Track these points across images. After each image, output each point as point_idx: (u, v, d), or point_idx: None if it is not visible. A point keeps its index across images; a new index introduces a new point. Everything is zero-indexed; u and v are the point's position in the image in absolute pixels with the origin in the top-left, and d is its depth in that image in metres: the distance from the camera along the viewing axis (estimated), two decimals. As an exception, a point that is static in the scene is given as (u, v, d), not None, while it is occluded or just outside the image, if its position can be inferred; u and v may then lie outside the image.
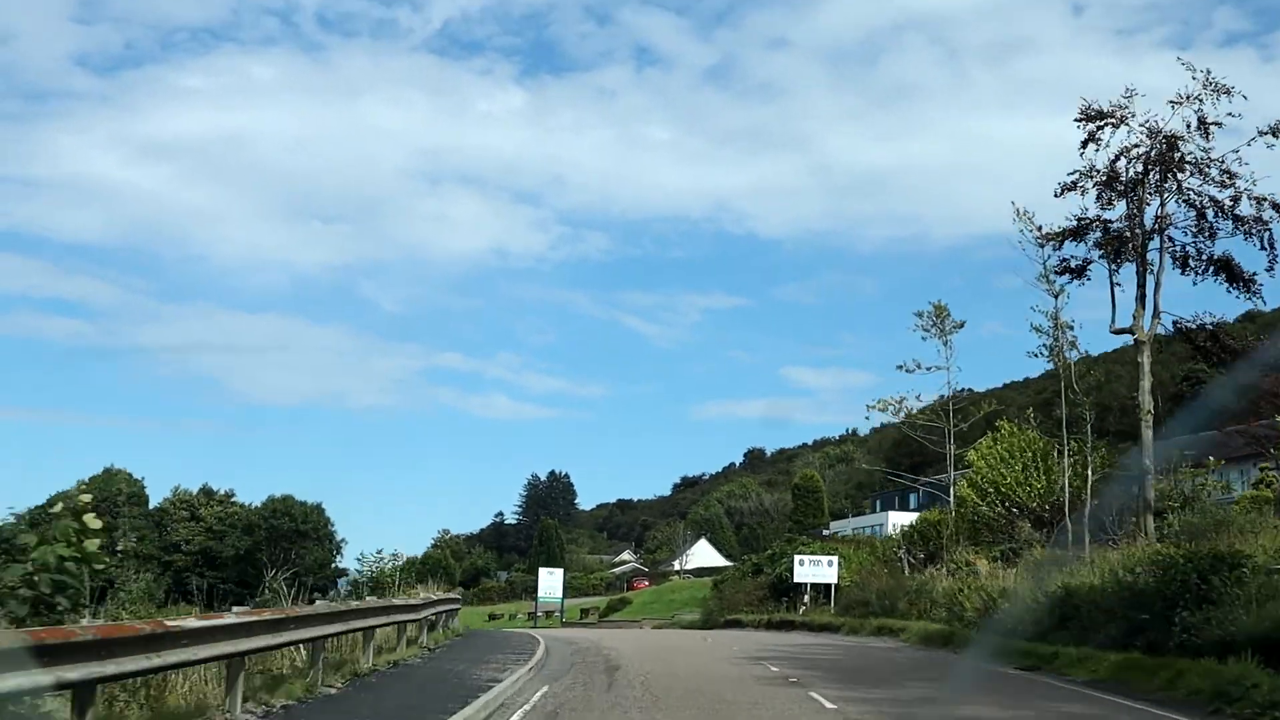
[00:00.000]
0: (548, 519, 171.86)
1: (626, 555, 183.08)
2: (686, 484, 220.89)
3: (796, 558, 57.19)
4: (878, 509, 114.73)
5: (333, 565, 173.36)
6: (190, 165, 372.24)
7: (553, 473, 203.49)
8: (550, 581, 79.13)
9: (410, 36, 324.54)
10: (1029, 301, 74.90)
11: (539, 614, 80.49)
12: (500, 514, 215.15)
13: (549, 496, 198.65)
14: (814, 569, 55.49)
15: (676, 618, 71.30)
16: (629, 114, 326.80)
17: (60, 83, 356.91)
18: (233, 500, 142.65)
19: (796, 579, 56.23)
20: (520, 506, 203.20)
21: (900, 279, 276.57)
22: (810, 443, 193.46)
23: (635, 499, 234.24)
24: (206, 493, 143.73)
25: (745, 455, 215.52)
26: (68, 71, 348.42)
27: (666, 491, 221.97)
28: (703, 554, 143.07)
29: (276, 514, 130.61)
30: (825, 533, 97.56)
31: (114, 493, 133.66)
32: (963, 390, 62.98)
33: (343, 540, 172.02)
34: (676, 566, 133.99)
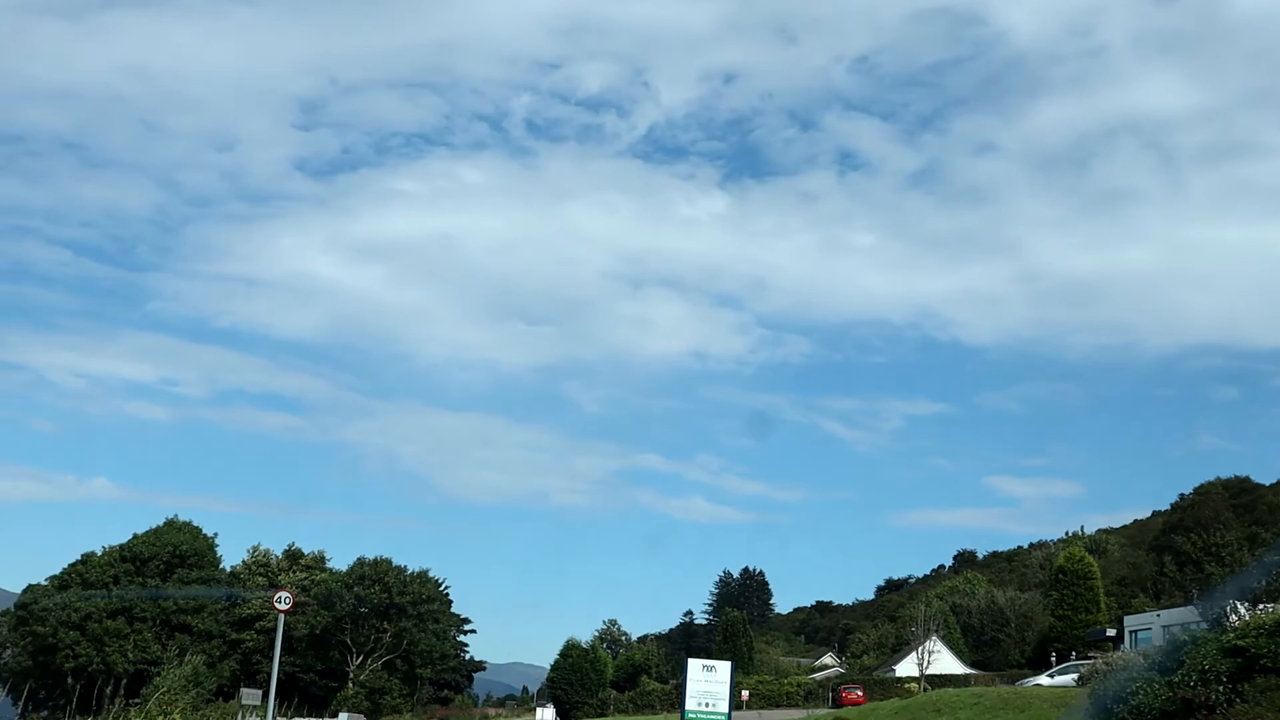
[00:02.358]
0: (733, 611, 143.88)
1: (828, 659, 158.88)
2: (891, 586, 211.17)
3: None
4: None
5: (459, 655, 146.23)
6: (401, 266, 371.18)
7: (746, 570, 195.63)
8: (709, 681, 48.92)
9: (615, 141, 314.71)
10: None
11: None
12: (689, 613, 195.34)
13: (742, 595, 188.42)
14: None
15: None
16: (831, 218, 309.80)
17: (281, 186, 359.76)
18: (325, 565, 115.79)
19: None
20: (711, 605, 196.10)
21: (1110, 388, 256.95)
22: (1027, 545, 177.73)
23: (835, 602, 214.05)
24: (291, 555, 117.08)
25: (955, 558, 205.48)
26: (288, 175, 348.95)
27: (869, 595, 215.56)
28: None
29: (364, 581, 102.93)
30: (1109, 633, 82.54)
31: (170, 548, 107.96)
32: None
33: (467, 622, 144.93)
34: (902, 672, 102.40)
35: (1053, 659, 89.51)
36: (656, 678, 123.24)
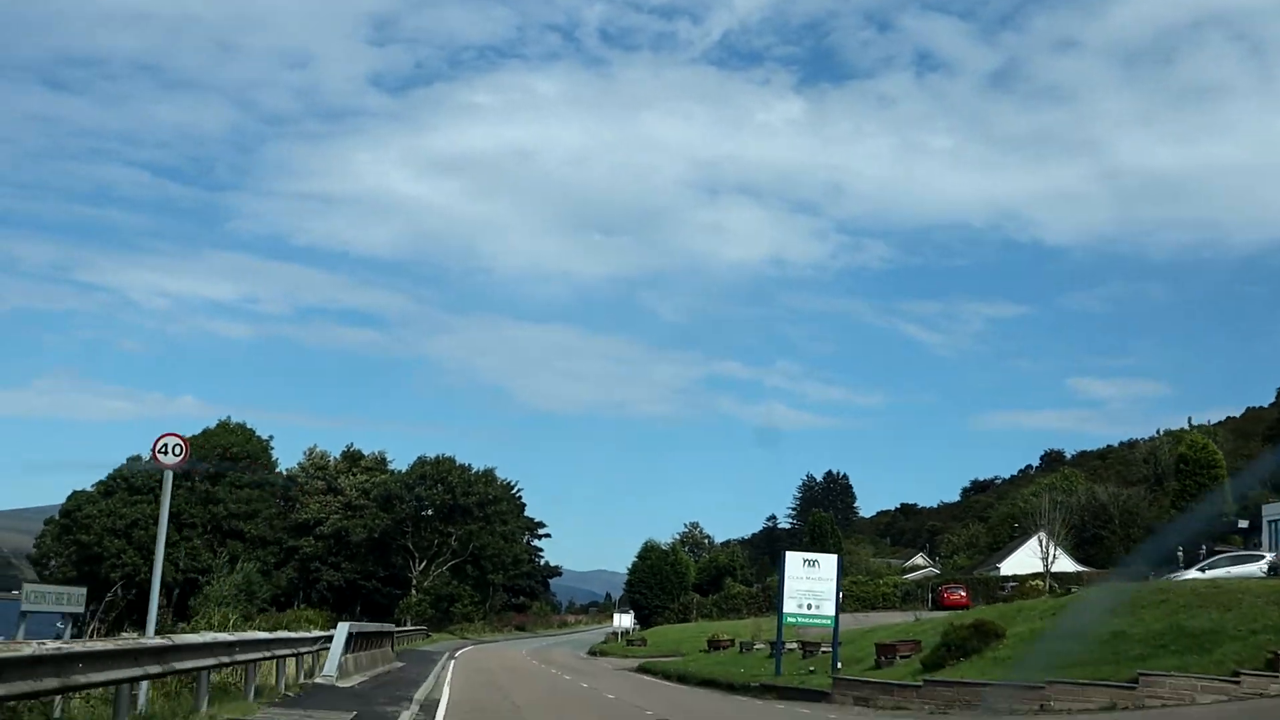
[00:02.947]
0: (820, 512, 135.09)
1: (919, 560, 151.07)
2: (977, 488, 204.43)
3: None
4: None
5: (533, 560, 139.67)
6: (477, 179, 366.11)
7: (830, 473, 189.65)
8: (812, 579, 40.21)
9: (689, 49, 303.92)
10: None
11: (789, 646, 42.37)
12: (772, 517, 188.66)
13: (826, 498, 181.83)
14: None
15: None
16: (910, 121, 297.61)
17: (356, 102, 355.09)
18: (386, 467, 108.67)
19: None
20: (794, 509, 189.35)
21: (1196, 286, 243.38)
22: (1117, 444, 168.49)
23: (920, 505, 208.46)
24: (350, 457, 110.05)
25: (1042, 458, 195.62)
26: (362, 91, 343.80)
27: (953, 497, 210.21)
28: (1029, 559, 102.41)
29: (425, 481, 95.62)
30: (1241, 524, 73.74)
31: (220, 450, 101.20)
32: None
33: (541, 526, 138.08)
34: (1007, 570, 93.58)
35: (1179, 554, 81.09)
36: (742, 581, 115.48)
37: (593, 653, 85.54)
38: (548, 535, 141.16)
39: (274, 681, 24.70)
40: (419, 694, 26.60)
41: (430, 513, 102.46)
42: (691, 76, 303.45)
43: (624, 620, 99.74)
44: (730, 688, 38.53)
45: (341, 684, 26.37)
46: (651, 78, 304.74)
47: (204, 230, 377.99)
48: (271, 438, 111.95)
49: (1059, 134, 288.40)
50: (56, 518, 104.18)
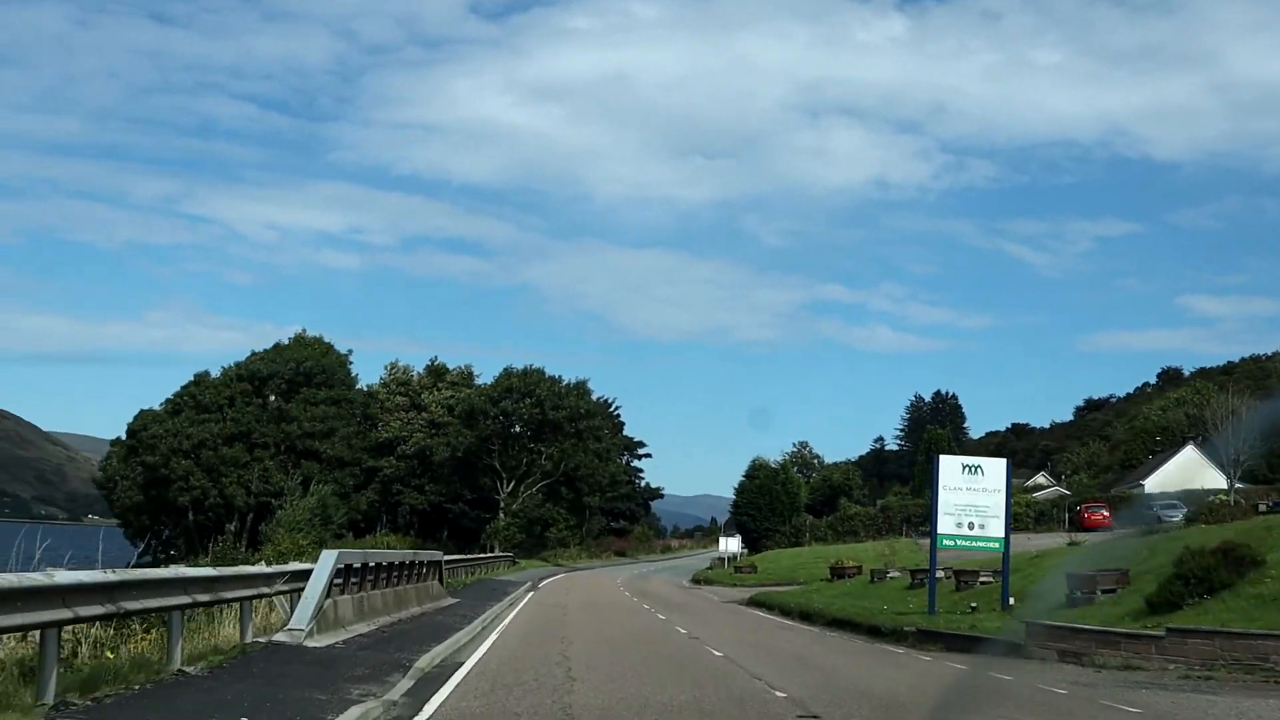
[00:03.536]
0: (936, 429, 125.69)
1: (1040, 479, 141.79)
2: (1092, 406, 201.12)
3: None
4: None
5: (632, 481, 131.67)
6: (577, 105, 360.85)
7: (939, 393, 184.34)
8: (974, 491, 30.64)
9: None
10: None
11: (940, 574, 33.66)
12: (880, 439, 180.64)
13: (934, 419, 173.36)
14: None
15: None
16: (1015, 36, 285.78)
17: (455, 30, 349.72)
18: (473, 382, 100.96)
19: None
20: (902, 430, 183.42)
21: None
22: (1238, 360, 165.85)
23: (1031, 425, 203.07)
24: (435, 371, 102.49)
25: (1159, 375, 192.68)
26: (462, 19, 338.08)
27: (1066, 416, 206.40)
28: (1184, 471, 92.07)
29: (512, 394, 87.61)
30: None
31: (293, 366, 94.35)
32: None
33: (640, 445, 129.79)
34: (1153, 488, 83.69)
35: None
36: (857, 501, 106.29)
37: (696, 581, 77.26)
38: (648, 455, 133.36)
39: (226, 637, 16.60)
40: (430, 656, 18.03)
41: (518, 429, 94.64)
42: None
43: (731, 545, 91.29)
44: (875, 632, 29.53)
45: (315, 641, 17.84)
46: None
47: (308, 161, 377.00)
48: (350, 352, 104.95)
49: (1169, 46, 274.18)
50: (123, 438, 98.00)
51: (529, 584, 57.40)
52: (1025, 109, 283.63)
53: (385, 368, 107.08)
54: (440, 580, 35.57)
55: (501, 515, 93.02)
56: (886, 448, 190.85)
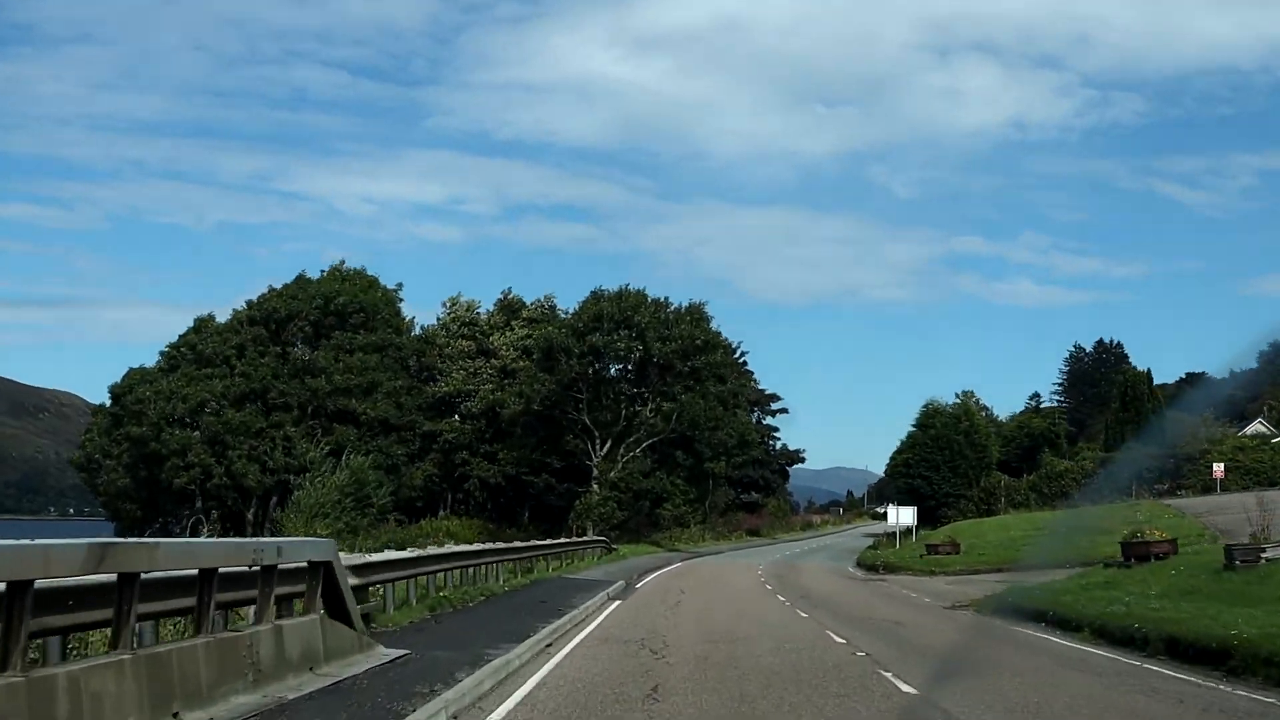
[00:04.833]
0: (1133, 368, 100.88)
1: (1259, 427, 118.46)
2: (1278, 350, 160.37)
3: None
4: None
5: (767, 443, 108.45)
6: (687, 56, 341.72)
7: (1101, 342, 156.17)
8: None
9: None
10: None
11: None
12: (1035, 395, 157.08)
13: (1096, 371, 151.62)
14: None
15: None
16: None
17: None
18: (555, 316, 78.59)
19: None
20: (1061, 384, 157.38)
21: None
22: None
23: (1208, 373, 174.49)
24: (507, 307, 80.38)
25: None
26: None
27: (1250, 364, 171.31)
28: None
29: (603, 325, 65.25)
30: None
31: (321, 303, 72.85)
32: None
33: (775, 399, 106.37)
34: None
35: None
36: (1064, 455, 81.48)
37: (868, 567, 53.91)
38: (784, 411, 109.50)
39: None
40: None
41: (614, 371, 71.78)
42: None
43: (903, 515, 67.86)
44: None
45: None
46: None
47: (405, 129, 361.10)
48: (400, 287, 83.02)
49: None
50: (106, 405, 77.20)
51: (621, 583, 35.34)
52: (1176, 35, 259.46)
53: (444, 304, 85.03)
54: (347, 619, 12.85)
55: (595, 488, 70.20)
56: (1043, 405, 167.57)
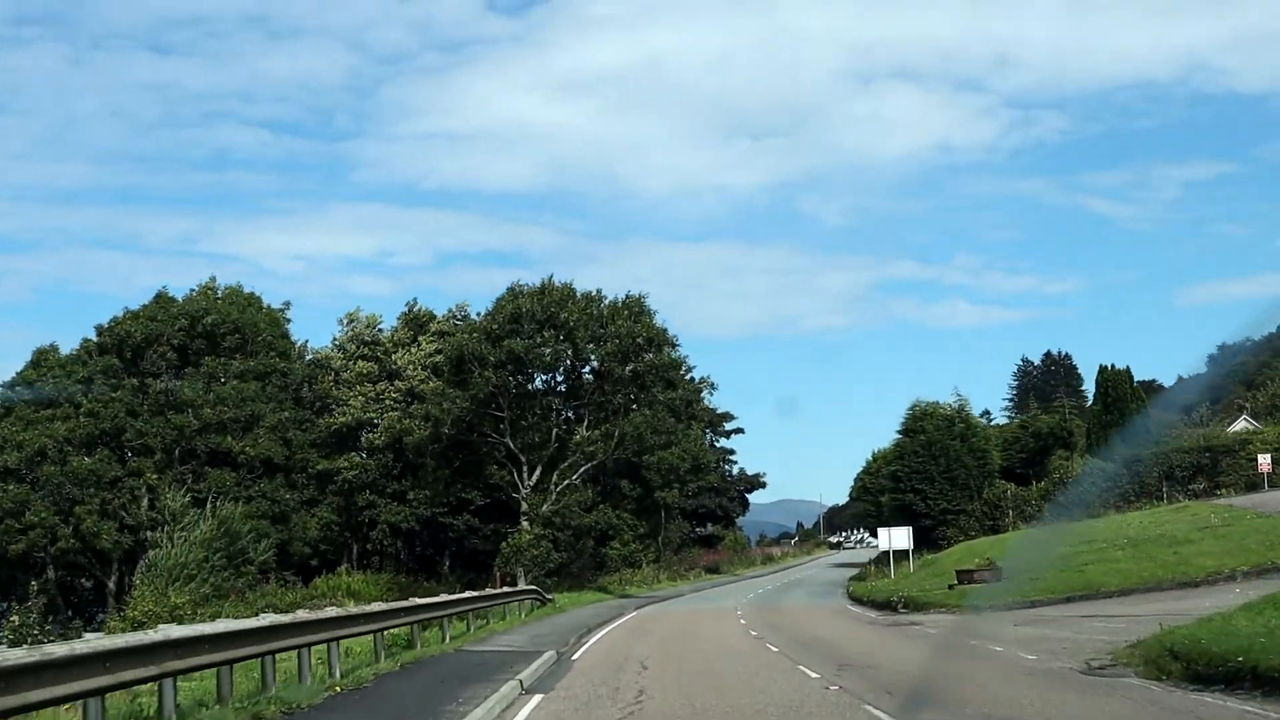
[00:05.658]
0: (1113, 367, 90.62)
1: (1244, 424, 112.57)
2: (1231, 352, 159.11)
3: None
4: None
5: (721, 467, 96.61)
6: (611, 97, 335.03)
7: (1049, 354, 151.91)
8: None
9: None
10: None
11: None
12: (986, 413, 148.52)
13: (1046, 384, 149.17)
14: None
15: None
16: None
17: (473, 29, 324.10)
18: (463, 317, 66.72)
19: None
20: (1011, 399, 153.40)
21: None
22: None
23: (1158, 380, 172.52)
24: (413, 321, 68.64)
25: None
26: (479, 17, 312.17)
27: (1199, 368, 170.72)
28: None
29: (523, 325, 53.15)
30: None
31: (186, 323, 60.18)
32: None
33: (728, 419, 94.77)
34: None
35: None
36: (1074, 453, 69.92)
37: (879, 605, 41.90)
38: (739, 432, 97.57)
39: None
40: None
41: (540, 383, 59.46)
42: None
43: (896, 538, 56.22)
44: None
45: None
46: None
47: (331, 184, 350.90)
48: (288, 306, 70.68)
49: None
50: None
51: (550, 655, 23.63)
52: (1094, 50, 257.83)
53: (340, 321, 72.26)
54: None
55: (525, 525, 57.69)
56: (993, 422, 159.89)
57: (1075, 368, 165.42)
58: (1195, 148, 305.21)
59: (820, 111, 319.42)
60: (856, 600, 48.91)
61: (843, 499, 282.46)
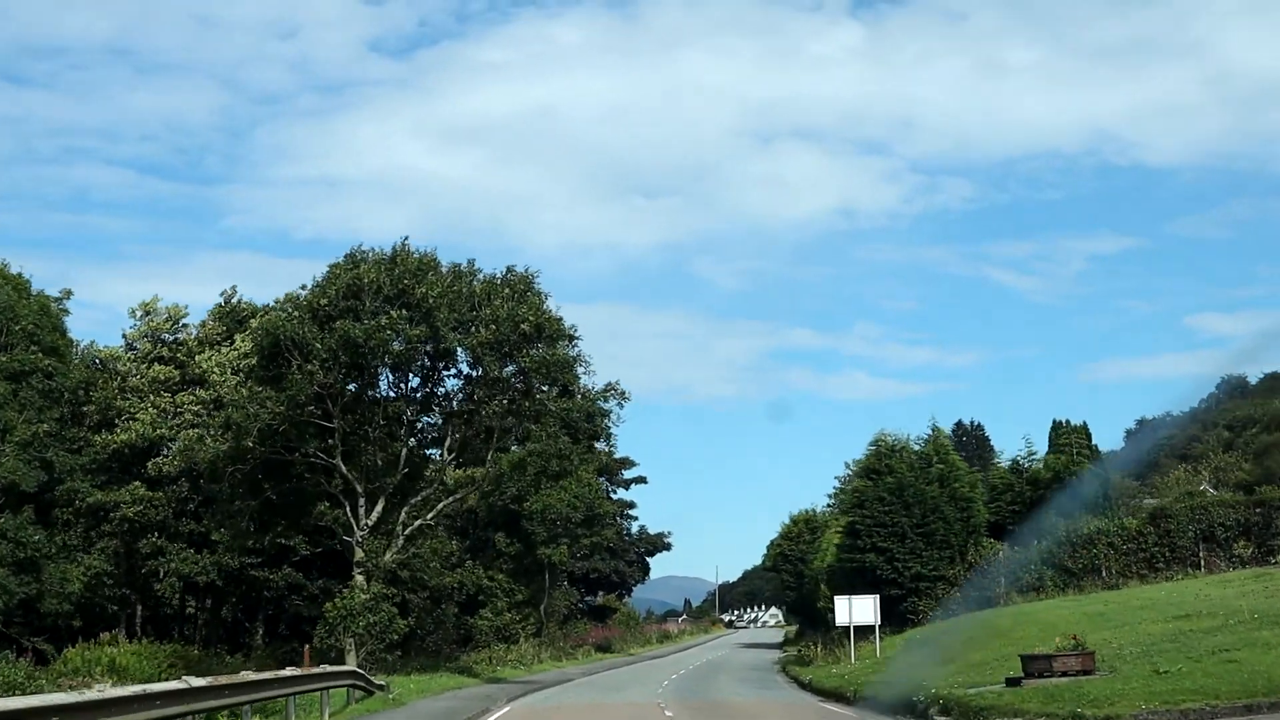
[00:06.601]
0: (1069, 424, 76.75)
1: (1206, 489, 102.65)
2: (1146, 427, 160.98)
3: None
4: None
5: (619, 521, 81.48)
6: (498, 147, 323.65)
7: (961, 424, 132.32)
8: None
9: None
10: None
11: None
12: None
13: (958, 454, 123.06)
14: None
15: None
16: (984, 36, 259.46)
17: (355, 71, 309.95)
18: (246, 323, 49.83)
19: None
20: None
21: None
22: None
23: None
24: (229, 315, 52.25)
25: (1220, 385, 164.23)
26: (361, 58, 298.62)
27: (1116, 444, 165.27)
28: None
29: (364, 301, 36.95)
30: None
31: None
32: None
33: (628, 465, 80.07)
34: None
35: None
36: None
37: (881, 705, 26.77)
38: (641, 481, 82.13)
39: None
40: None
41: (386, 386, 43.40)
42: (732, 7, 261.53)
43: (859, 610, 41.89)
44: None
45: None
46: (687, 13, 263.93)
47: (197, 229, 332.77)
48: (68, 295, 54.40)
49: (1157, 38, 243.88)
50: None
51: None
52: (1001, 118, 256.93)
53: (132, 312, 55.55)
54: None
55: (359, 579, 41.65)
56: None
57: (988, 439, 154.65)
58: (1102, 220, 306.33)
59: (717, 170, 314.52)
60: (818, 692, 34.64)
61: (734, 575, 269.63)
